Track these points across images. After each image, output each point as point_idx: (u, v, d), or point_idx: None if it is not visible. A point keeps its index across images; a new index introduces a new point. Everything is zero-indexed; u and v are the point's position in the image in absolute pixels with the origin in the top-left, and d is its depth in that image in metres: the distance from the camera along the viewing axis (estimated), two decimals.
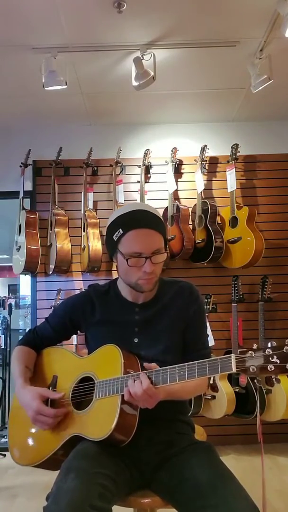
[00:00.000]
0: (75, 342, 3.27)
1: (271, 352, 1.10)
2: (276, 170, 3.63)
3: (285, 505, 2.43)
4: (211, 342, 2.97)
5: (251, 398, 3.07)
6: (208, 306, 3.22)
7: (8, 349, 4.21)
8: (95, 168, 3.64)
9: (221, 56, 2.79)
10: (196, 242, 3.35)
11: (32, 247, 3.43)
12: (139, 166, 3.56)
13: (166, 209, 3.46)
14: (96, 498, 1.10)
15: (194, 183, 3.49)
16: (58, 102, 3.31)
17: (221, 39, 2.62)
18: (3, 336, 5.84)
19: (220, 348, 3.30)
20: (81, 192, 3.53)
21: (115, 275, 2.58)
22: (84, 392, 1.39)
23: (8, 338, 4.32)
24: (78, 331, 1.59)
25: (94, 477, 1.15)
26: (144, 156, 3.54)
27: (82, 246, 3.44)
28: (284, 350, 1.09)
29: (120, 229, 1.36)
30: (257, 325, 3.18)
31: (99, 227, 3.43)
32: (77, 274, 3.57)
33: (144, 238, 1.35)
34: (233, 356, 1.14)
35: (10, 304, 5.23)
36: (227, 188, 3.38)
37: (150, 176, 3.63)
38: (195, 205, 3.43)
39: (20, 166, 3.56)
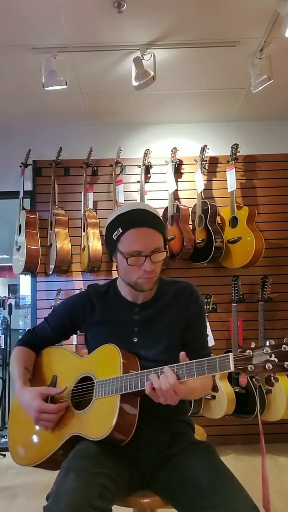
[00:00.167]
0: (75, 342, 3.27)
1: (269, 351, 1.10)
2: (276, 170, 3.63)
3: (285, 505, 2.43)
4: (211, 342, 2.97)
5: (251, 398, 3.07)
6: (208, 306, 3.22)
7: (8, 349, 4.21)
8: (95, 168, 3.64)
9: (221, 56, 2.79)
10: (196, 242, 3.35)
11: (32, 247, 3.43)
12: (139, 166, 3.56)
13: (166, 209, 3.46)
14: (96, 498, 1.10)
15: (194, 183, 3.49)
16: (58, 102, 3.31)
17: (221, 39, 2.62)
18: (3, 336, 5.84)
19: (220, 348, 3.30)
20: (81, 192, 3.53)
21: (115, 275, 2.59)
22: (83, 391, 1.40)
23: (8, 338, 4.32)
24: (78, 331, 1.59)
25: (94, 477, 1.15)
26: (144, 156, 3.54)
27: (82, 246, 3.44)
28: (283, 349, 1.09)
29: (120, 228, 1.36)
30: (257, 325, 3.18)
31: (99, 227, 3.43)
32: (77, 274, 3.57)
33: (144, 236, 1.35)
34: (231, 355, 1.14)
35: (10, 304, 5.24)
36: (227, 188, 3.38)
37: (150, 176, 3.63)
38: (195, 205, 3.43)
39: (20, 166, 3.56)
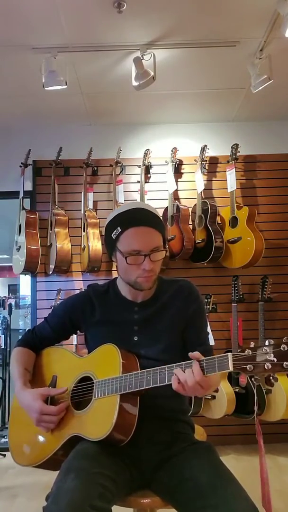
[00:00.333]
0: (75, 342, 3.27)
1: (268, 351, 1.10)
2: (276, 170, 3.63)
3: (285, 505, 2.43)
4: (211, 342, 2.97)
5: (251, 398, 3.07)
6: (208, 306, 3.22)
7: (8, 349, 4.21)
8: (95, 168, 3.64)
9: (221, 56, 2.79)
10: (196, 242, 3.35)
11: (32, 247, 3.43)
12: (139, 166, 3.56)
13: (166, 209, 3.46)
14: (96, 498, 1.10)
15: (194, 183, 3.49)
16: (58, 102, 3.31)
17: (221, 39, 2.62)
18: (3, 336, 5.84)
19: (220, 348, 3.30)
20: (81, 192, 3.53)
21: (115, 275, 2.59)
22: (83, 392, 1.40)
23: (8, 338, 4.32)
24: (78, 331, 1.59)
25: (94, 477, 1.15)
26: (144, 156, 3.54)
27: (82, 246, 3.44)
28: (282, 348, 1.09)
29: (119, 228, 1.36)
30: (257, 325, 3.18)
31: (99, 227, 3.43)
32: (77, 274, 3.57)
33: (143, 235, 1.35)
34: (230, 354, 1.14)
35: (10, 304, 5.24)
36: (227, 188, 3.38)
37: (150, 176, 3.63)
38: (195, 205, 3.43)
39: (20, 166, 3.56)
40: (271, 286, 3.23)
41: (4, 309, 9.40)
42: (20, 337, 1.65)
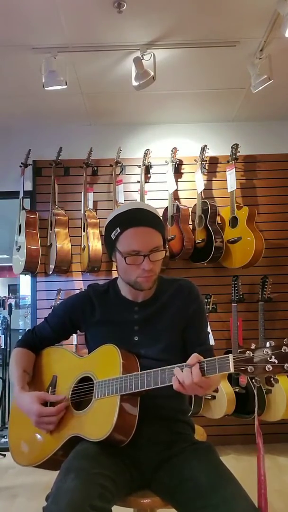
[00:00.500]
0: (75, 342, 3.27)
1: (269, 352, 1.10)
2: (276, 170, 3.63)
3: (285, 505, 2.43)
4: (211, 342, 2.97)
5: (251, 398, 3.08)
6: (208, 306, 3.22)
7: (8, 349, 4.21)
8: (95, 168, 3.64)
9: (221, 56, 2.79)
10: (196, 242, 3.35)
11: (32, 247, 3.43)
12: (139, 166, 3.56)
13: (166, 209, 3.46)
14: (96, 498, 1.10)
15: (194, 183, 3.49)
16: (58, 102, 3.31)
17: (221, 39, 2.62)
18: (3, 336, 5.84)
19: (220, 348, 3.30)
20: (81, 192, 3.53)
21: (115, 275, 2.59)
22: (83, 392, 1.39)
23: (8, 338, 4.32)
24: (78, 331, 1.59)
25: (94, 477, 1.15)
26: (144, 156, 3.54)
27: (82, 246, 3.44)
28: (283, 350, 1.08)
29: (118, 228, 1.36)
30: (257, 325, 3.18)
31: (99, 227, 3.43)
32: (77, 274, 3.57)
33: (142, 236, 1.35)
34: (231, 356, 1.14)
35: (10, 304, 5.24)
36: (227, 188, 3.38)
37: (150, 176, 3.63)
38: (195, 205, 3.43)
39: (20, 166, 3.56)
40: (271, 286, 3.23)
41: (4, 309, 9.40)
42: (20, 337, 1.65)
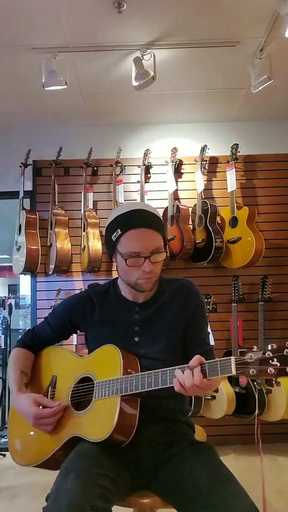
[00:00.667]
0: (75, 342, 3.27)
1: (271, 355, 1.09)
2: (276, 170, 3.63)
3: (285, 505, 2.43)
4: (211, 342, 2.97)
5: (251, 398, 3.07)
6: (208, 306, 3.22)
7: (8, 349, 4.21)
8: (95, 168, 3.64)
9: (221, 56, 2.79)
10: (196, 242, 3.35)
11: (32, 247, 3.43)
12: (139, 166, 3.56)
13: (166, 209, 3.46)
14: (96, 498, 1.10)
15: (194, 183, 3.49)
16: (58, 102, 3.31)
17: (221, 39, 2.62)
18: (3, 336, 5.83)
19: (220, 348, 3.29)
20: (81, 192, 3.53)
21: (115, 275, 2.59)
22: (83, 392, 1.39)
23: (8, 338, 4.32)
24: (78, 331, 1.59)
25: (94, 477, 1.15)
26: (144, 156, 3.54)
27: (82, 246, 3.44)
28: (284, 353, 1.08)
29: (118, 230, 1.36)
30: (257, 325, 3.17)
31: (99, 227, 3.43)
32: (77, 274, 3.57)
33: (142, 238, 1.35)
34: (233, 358, 1.13)
35: (10, 304, 5.24)
36: (227, 188, 3.38)
37: (150, 176, 3.63)
38: (195, 205, 3.43)
39: (20, 166, 3.56)
40: (271, 286, 3.23)
41: (4, 309, 9.39)
42: (20, 337, 1.65)
